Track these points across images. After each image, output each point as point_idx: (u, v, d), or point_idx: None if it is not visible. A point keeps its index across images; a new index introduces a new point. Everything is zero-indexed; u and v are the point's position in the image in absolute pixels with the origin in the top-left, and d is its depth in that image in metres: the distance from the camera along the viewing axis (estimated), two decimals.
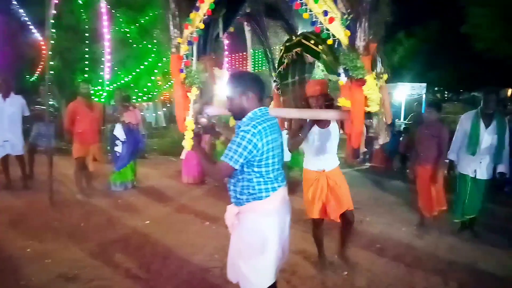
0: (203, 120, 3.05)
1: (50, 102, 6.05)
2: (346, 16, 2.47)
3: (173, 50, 3.20)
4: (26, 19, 11.36)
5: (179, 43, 3.16)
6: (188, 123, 3.01)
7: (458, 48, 15.72)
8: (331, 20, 2.47)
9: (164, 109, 18.39)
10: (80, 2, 10.52)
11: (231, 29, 3.73)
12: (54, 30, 6.16)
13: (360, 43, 2.47)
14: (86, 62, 10.86)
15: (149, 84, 12.54)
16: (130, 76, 11.64)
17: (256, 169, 2.13)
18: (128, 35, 11.33)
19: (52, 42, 6.14)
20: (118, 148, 6.35)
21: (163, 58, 11.42)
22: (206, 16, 3.06)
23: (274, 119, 2.29)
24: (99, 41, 10.42)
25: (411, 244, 4.35)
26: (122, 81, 11.43)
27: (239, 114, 2.23)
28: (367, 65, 2.49)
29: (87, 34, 10.65)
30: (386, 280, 3.50)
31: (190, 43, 3.15)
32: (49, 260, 3.68)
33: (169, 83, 13.90)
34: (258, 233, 2.18)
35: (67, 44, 10.47)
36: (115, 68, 10.99)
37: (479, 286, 3.49)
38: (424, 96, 13.94)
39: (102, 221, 4.82)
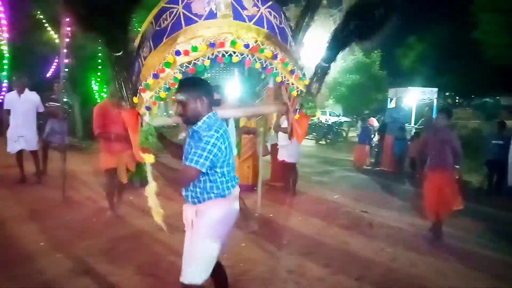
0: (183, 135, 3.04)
1: (64, 99, 6.10)
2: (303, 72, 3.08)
3: (127, 107, 2.72)
4: (41, 16, 11.50)
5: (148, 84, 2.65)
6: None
7: (469, 54, 15.59)
8: (296, 77, 2.95)
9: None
10: None
11: None
12: (69, 28, 6.20)
13: (314, 90, 3.06)
14: (99, 61, 10.99)
15: None
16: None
17: (218, 170, 2.26)
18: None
19: (67, 40, 6.17)
20: None
21: None
22: None
23: (223, 121, 2.44)
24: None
25: (422, 249, 4.36)
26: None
27: (193, 119, 2.28)
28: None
29: None
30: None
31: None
32: (60, 255, 3.74)
33: None
34: (216, 224, 2.31)
35: (81, 42, 10.58)
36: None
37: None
38: (435, 101, 13.85)
39: (114, 217, 4.88)
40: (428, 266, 3.94)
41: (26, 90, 6.17)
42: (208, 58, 2.54)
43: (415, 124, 13.56)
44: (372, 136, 11.18)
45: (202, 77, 2.65)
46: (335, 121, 20.08)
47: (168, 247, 4.06)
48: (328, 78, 22.22)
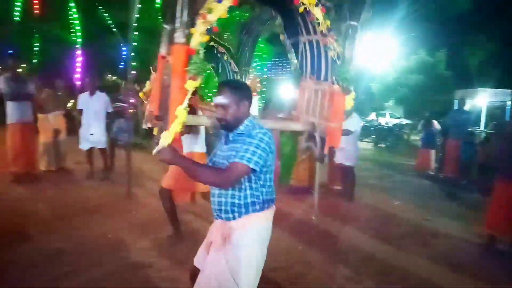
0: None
1: (130, 100, 6.45)
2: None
3: (182, 40, 2.73)
4: (110, 22, 12.27)
5: (191, 33, 2.75)
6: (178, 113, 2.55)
7: None
8: (332, 37, 2.91)
9: None
10: (157, 5, 11.17)
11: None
12: (136, 33, 6.55)
13: (348, 56, 2.92)
14: None
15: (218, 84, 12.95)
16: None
17: (262, 176, 2.04)
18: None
19: (134, 44, 6.52)
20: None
21: None
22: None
23: None
24: None
25: (483, 261, 4.06)
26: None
27: (233, 123, 2.08)
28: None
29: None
30: None
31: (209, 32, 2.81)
32: (123, 248, 3.92)
33: None
34: (254, 248, 2.05)
35: (145, 45, 11.15)
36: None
37: None
38: (509, 103, 12.78)
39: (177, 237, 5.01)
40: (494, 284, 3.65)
41: (97, 91, 6.60)
42: None
43: (485, 128, 12.63)
44: (438, 140, 10.56)
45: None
46: (396, 124, 19.26)
47: None
48: (389, 78, 21.51)
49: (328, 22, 2.83)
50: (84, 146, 6.64)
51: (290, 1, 2.89)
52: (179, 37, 2.70)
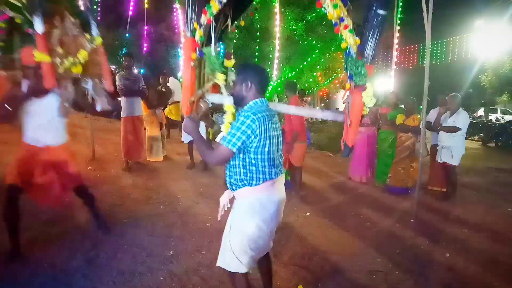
0: (202, 105, 3.19)
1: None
2: (354, 26, 2.65)
3: (188, 34, 3.35)
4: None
5: (195, 28, 3.30)
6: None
7: None
8: (346, 27, 2.63)
9: (322, 104, 18.59)
10: (255, 3, 11.42)
11: (242, 23, 4.21)
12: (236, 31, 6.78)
13: (368, 51, 2.62)
14: (256, 60, 11.76)
15: (310, 80, 12.85)
16: (294, 72, 12.11)
17: (252, 156, 2.26)
18: (295, 32, 11.78)
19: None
20: None
21: (327, 54, 11.53)
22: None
23: (274, 111, 2.43)
24: (268, 39, 11.14)
25: None
26: (286, 78, 11.98)
27: (239, 101, 2.40)
28: (369, 73, 2.63)
29: (258, 33, 11.52)
30: None
31: (200, 26, 3.31)
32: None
33: (329, 79, 14.04)
34: (246, 217, 2.32)
35: (241, 43, 11.52)
36: (281, 65, 11.60)
37: None
38: None
39: None
40: None
41: None
42: None
43: None
44: None
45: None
46: (510, 120, 17.17)
47: (316, 243, 4.09)
48: (503, 70, 19.17)
49: (339, 11, 2.61)
50: (185, 139, 7.14)
51: None
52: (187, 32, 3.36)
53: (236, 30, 6.24)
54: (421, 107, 4.98)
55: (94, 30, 3.66)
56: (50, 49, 3.27)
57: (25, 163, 3.32)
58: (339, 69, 13.20)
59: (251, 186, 2.31)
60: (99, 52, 3.69)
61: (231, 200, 2.50)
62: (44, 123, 3.37)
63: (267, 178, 2.31)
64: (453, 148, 5.75)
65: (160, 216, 4.60)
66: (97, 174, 6.19)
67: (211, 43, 3.37)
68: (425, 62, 4.70)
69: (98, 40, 3.65)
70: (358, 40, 2.64)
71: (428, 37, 4.60)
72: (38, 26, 3.20)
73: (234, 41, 9.70)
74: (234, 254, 2.33)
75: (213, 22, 3.30)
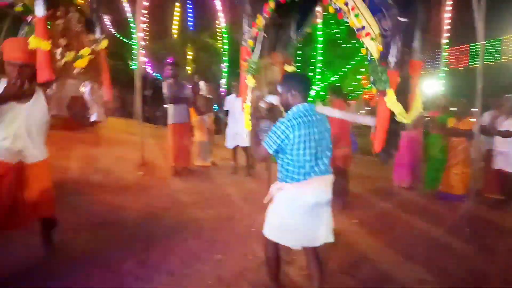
0: (263, 105, 3.46)
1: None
2: (378, 33, 2.73)
3: (244, 43, 3.75)
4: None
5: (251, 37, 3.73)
6: (245, 107, 3.81)
7: None
8: (367, 34, 2.76)
9: (368, 108, 18.18)
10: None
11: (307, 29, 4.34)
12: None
13: (391, 58, 2.69)
14: (298, 64, 11.76)
15: (354, 83, 12.66)
16: (337, 76, 12.00)
17: (289, 157, 2.52)
18: (337, 35, 11.68)
19: None
20: None
21: None
22: (277, 18, 3.61)
23: (321, 115, 2.63)
24: (309, 43, 11.11)
25: None
26: (329, 81, 11.88)
27: (286, 107, 2.68)
28: (392, 79, 2.69)
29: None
30: None
31: (252, 38, 3.73)
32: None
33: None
34: (279, 205, 2.66)
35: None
36: (324, 69, 11.53)
37: None
38: None
39: None
40: None
41: None
42: None
43: None
44: None
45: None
46: None
47: (368, 249, 4.02)
48: None
49: (360, 20, 2.76)
50: (229, 144, 7.25)
51: None
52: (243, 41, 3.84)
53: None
54: (475, 109, 4.76)
55: (98, 32, 3.49)
56: (50, 37, 2.87)
57: None
58: None
59: (287, 182, 2.58)
60: (101, 56, 3.46)
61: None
62: (21, 133, 2.84)
63: (301, 178, 2.52)
64: (510, 154, 5.44)
65: (207, 220, 4.70)
66: (146, 179, 6.44)
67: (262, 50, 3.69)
68: (477, 62, 4.51)
69: (104, 43, 3.42)
70: (380, 47, 2.75)
71: (480, 36, 4.39)
72: (39, 9, 2.84)
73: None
74: (267, 222, 2.74)
75: (260, 33, 3.67)
